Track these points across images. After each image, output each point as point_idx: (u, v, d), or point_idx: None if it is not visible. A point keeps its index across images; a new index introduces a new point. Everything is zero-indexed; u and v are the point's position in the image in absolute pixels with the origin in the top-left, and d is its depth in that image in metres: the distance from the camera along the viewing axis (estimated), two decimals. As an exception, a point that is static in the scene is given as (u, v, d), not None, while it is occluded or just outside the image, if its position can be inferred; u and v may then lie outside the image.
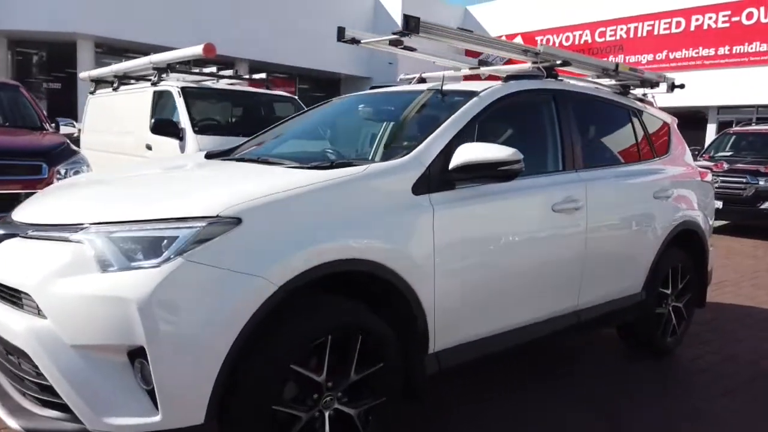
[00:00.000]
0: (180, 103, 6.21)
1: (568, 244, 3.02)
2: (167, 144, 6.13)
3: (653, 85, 4.05)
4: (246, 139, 3.58)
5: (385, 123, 3.27)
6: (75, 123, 5.81)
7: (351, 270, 2.15)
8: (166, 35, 15.50)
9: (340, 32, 2.97)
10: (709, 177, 4.37)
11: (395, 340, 2.32)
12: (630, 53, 18.27)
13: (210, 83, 7.06)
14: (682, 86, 4.17)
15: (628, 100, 3.89)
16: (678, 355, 3.97)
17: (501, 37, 3.36)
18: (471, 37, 3.00)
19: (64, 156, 4.32)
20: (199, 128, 6.05)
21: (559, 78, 3.49)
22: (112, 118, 7.58)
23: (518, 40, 20.20)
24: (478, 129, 2.91)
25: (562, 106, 3.23)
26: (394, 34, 2.79)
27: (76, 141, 6.88)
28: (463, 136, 2.65)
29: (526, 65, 3.41)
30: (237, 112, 6.97)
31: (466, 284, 2.54)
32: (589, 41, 19.49)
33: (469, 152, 2.48)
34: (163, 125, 5.96)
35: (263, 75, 7.70)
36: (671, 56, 17.60)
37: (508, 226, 2.71)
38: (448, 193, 2.50)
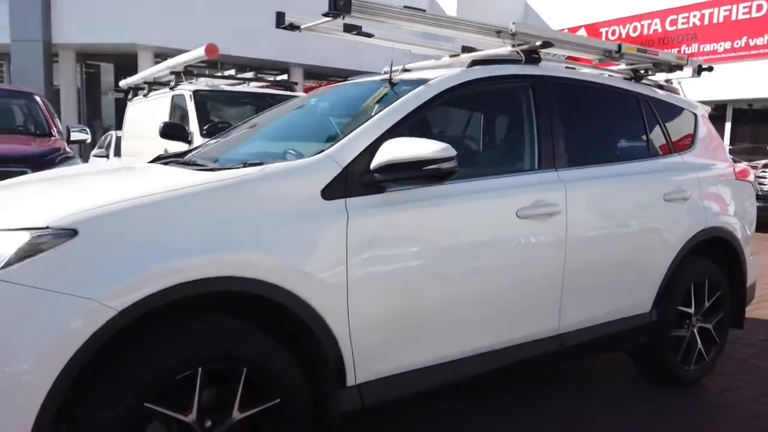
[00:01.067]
0: (191, 106, 6.13)
1: (540, 256, 2.56)
2: (179, 148, 6.05)
3: (672, 68, 3.46)
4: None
5: (332, 119, 2.92)
6: (87, 130, 5.84)
7: (230, 291, 1.83)
8: (221, 44, 15.78)
9: (279, 18, 2.66)
10: (750, 176, 3.72)
11: (297, 371, 1.97)
12: (705, 41, 16.82)
13: (225, 86, 6.96)
14: (710, 69, 3.56)
15: (640, 86, 3.34)
16: (704, 386, 3.36)
17: (563, 30, 2.91)
18: (424, 17, 2.60)
19: (52, 162, 4.27)
20: (208, 131, 5.92)
21: (555, 62, 3.03)
22: (143, 124, 7.68)
23: (582, 32, 19.16)
24: (427, 123, 2.52)
25: (541, 94, 2.76)
26: (323, 15, 2.45)
27: (96, 147, 6.93)
28: (400, 131, 2.26)
29: (505, 49, 2.96)
30: (251, 113, 6.81)
31: (395, 306, 2.16)
32: (659, 30, 18.13)
33: (393, 149, 2.10)
34: (171, 129, 5.87)
35: (285, 76, 7.52)
36: (752, 43, 16.05)
37: (452, 236, 2.29)
38: (373, 198, 2.13)
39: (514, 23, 2.72)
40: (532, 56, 2.87)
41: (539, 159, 2.68)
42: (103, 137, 12.32)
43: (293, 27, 2.66)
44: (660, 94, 3.45)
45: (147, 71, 7.53)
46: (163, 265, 1.69)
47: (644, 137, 3.21)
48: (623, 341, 3.05)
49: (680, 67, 3.47)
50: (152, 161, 2.94)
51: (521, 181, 2.57)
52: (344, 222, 2.03)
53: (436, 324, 2.28)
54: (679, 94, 3.64)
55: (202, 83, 6.95)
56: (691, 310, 3.28)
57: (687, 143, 3.40)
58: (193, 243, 1.76)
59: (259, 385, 1.90)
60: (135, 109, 8.27)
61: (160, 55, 17.82)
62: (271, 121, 3.20)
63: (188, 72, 6.64)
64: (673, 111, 3.46)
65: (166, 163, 2.79)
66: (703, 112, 3.67)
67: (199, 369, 1.78)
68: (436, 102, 2.44)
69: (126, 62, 17.30)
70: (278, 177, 2.01)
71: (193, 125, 5.95)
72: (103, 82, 19.16)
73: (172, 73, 6.60)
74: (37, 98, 5.86)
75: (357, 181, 2.11)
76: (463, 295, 2.33)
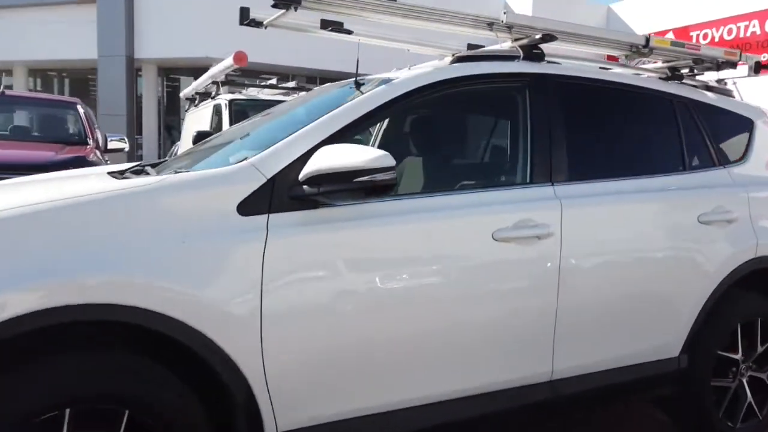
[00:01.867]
0: (225, 115, 6.09)
1: (523, 287, 2.14)
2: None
3: (720, 66, 2.91)
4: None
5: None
6: (126, 139, 5.94)
7: (111, 320, 1.58)
8: (291, 57, 16.02)
9: (243, 14, 2.42)
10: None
11: (197, 415, 1.69)
12: (812, 43, 15.20)
13: (264, 95, 6.90)
14: (769, 66, 2.98)
15: (678, 87, 2.82)
16: (754, 449, 2.77)
17: (650, 35, 2.51)
18: (392, 8, 2.26)
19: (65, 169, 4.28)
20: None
21: (555, 60, 2.60)
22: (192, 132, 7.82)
23: (669, 36, 17.87)
24: (389, 128, 2.19)
25: (540, 96, 2.34)
26: (272, 7, 2.17)
27: (130, 156, 7.08)
28: (347, 138, 1.95)
29: (508, 45, 2.56)
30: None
31: (326, 345, 1.82)
32: (758, 32, 16.55)
33: (323, 158, 1.78)
34: (201, 138, 5.85)
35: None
36: None
37: (402, 262, 1.93)
38: (303, 215, 1.82)
39: (505, 12, 2.33)
40: (532, 52, 2.45)
41: (531, 171, 2.26)
42: (172, 148, 12.76)
43: (255, 23, 2.41)
44: (706, 96, 2.91)
45: (196, 82, 7.64)
46: (22, 288, 1.45)
47: (678, 146, 2.68)
48: (642, 391, 2.55)
49: (732, 65, 2.91)
50: (127, 169, 2.78)
51: (504, 197, 2.17)
52: (262, 242, 1.73)
53: (383, 366, 1.92)
54: (733, 96, 3.07)
55: (253, 92, 6.97)
56: (738, 356, 2.70)
57: (738, 154, 2.83)
58: (71, 262, 1.52)
59: (153, 428, 1.63)
60: (189, 118, 8.45)
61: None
62: (255, 126, 2.96)
63: (230, 82, 6.63)
64: (721, 116, 2.90)
65: (136, 172, 2.61)
66: (766, 118, 3.07)
67: (67, 410, 1.53)
68: (399, 104, 2.10)
69: (200, 75, 17.98)
70: (183, 188, 1.75)
71: (226, 133, 5.90)
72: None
73: (213, 83, 6.63)
74: (79, 108, 6.03)
75: (286, 194, 1.81)
76: (416, 333, 1.96)
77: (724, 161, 2.78)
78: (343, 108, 2.01)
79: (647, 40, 2.66)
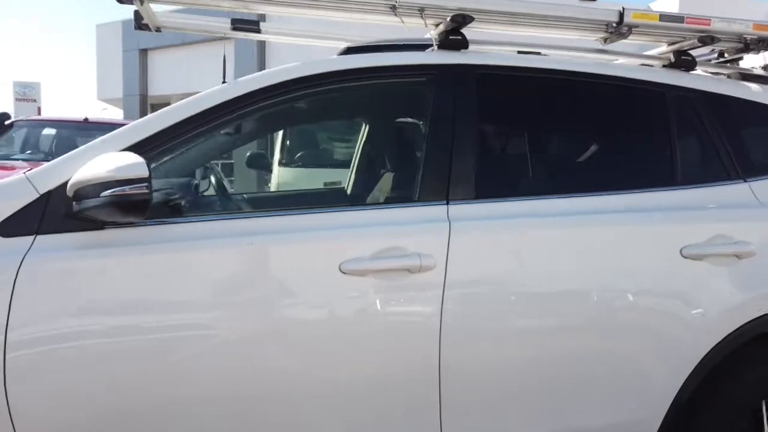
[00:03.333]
0: (278, 134, 6.09)
1: (383, 339, 1.65)
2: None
3: (749, 46, 2.14)
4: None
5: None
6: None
7: None
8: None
9: (137, 18, 2.21)
10: None
11: None
12: None
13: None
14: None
15: (679, 76, 2.11)
16: None
17: (623, 8, 2.02)
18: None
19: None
20: (286, 161, 5.77)
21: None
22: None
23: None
24: (225, 137, 1.84)
25: (448, 93, 1.85)
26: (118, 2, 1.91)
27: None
28: (162, 148, 1.64)
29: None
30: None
31: (90, 403, 1.50)
32: None
33: (84, 168, 1.49)
34: (254, 159, 5.88)
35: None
36: None
37: (204, 299, 1.56)
38: (83, 237, 1.54)
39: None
40: (448, 39, 1.95)
41: (421, 187, 1.77)
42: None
43: (145, 26, 2.19)
44: (736, 87, 2.16)
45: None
46: None
47: (665, 153, 1.98)
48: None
49: (756, 47, 2.14)
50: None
51: (368, 219, 1.71)
52: (14, 270, 1.47)
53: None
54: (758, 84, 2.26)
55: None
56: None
57: (763, 164, 2.05)
58: None
59: None
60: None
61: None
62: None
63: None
64: (755, 114, 2.13)
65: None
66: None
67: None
68: (239, 107, 1.74)
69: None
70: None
71: (275, 154, 5.92)
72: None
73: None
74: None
75: (62, 212, 1.54)
76: (216, 395, 1.56)
77: (747, 173, 2.01)
78: (156, 114, 1.70)
79: (620, 15, 2.02)
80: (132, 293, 1.52)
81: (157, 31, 2.24)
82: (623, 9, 2.00)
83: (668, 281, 1.80)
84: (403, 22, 1.99)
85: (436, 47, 1.96)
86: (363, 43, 2.05)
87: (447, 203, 1.74)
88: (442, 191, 1.76)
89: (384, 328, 1.64)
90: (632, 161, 1.98)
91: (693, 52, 2.19)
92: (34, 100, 16.17)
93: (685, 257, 1.81)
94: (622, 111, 2.03)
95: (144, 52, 18.38)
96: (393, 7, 1.95)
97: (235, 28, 2.31)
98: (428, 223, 1.70)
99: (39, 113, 13.77)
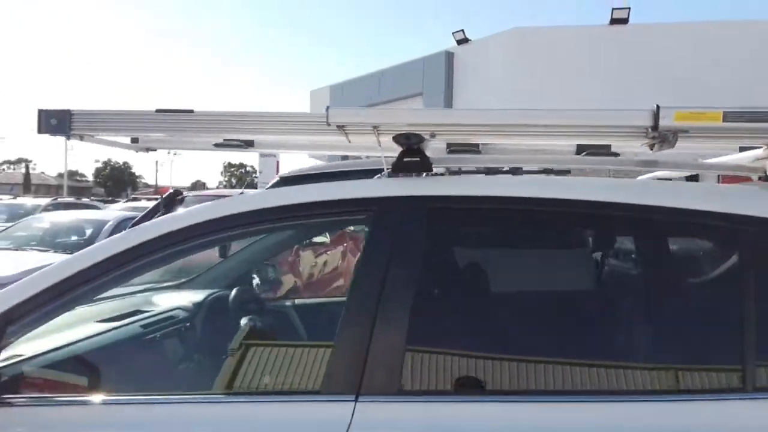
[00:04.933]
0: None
1: None
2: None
3: None
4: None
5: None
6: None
7: None
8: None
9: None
10: None
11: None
12: None
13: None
14: None
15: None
16: None
17: (657, 105, 1.56)
18: (177, 120, 1.60)
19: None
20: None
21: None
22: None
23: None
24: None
25: (389, 233, 1.38)
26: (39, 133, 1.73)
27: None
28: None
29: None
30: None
31: None
32: None
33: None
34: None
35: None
36: None
37: None
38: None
39: (328, 107, 1.43)
40: (402, 162, 1.47)
41: (329, 376, 1.30)
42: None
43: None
44: None
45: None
46: None
47: (726, 332, 1.24)
48: None
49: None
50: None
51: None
52: None
53: None
54: None
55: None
56: None
57: None
58: None
59: None
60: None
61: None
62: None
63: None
64: None
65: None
66: None
67: None
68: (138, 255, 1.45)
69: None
70: None
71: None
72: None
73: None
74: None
75: None
76: None
77: None
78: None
79: (655, 116, 1.35)
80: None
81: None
82: (657, 107, 1.34)
83: None
84: (349, 141, 1.56)
85: (386, 174, 1.50)
86: (296, 172, 1.66)
87: (356, 400, 1.25)
88: (349, 381, 1.26)
89: None
90: (683, 345, 1.28)
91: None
92: (274, 155, 17.13)
93: None
94: (666, 260, 1.37)
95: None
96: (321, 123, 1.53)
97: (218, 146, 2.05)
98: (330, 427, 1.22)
99: (277, 168, 14.26)
